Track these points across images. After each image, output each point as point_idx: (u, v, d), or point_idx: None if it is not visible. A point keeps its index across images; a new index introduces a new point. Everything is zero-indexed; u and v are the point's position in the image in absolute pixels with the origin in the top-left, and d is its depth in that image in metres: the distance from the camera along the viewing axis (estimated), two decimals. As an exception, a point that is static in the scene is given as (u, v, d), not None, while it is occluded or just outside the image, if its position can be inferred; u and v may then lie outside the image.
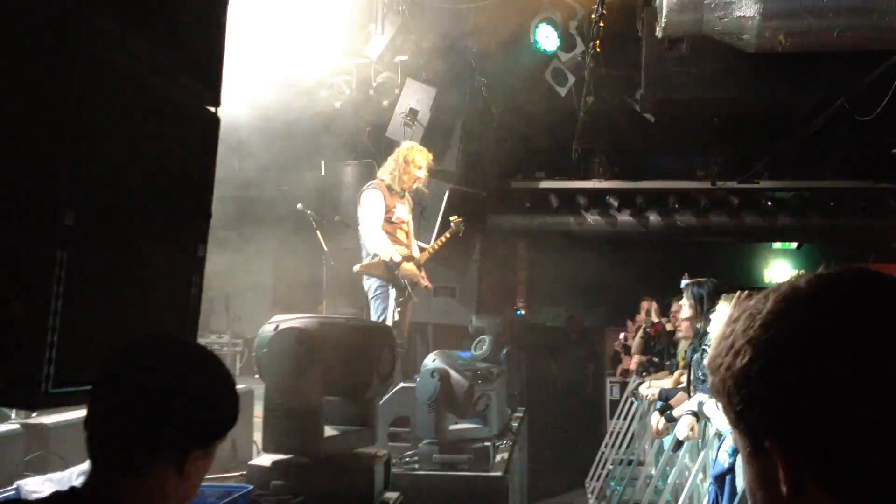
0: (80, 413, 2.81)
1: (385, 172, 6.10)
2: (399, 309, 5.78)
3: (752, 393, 0.84)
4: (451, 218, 6.41)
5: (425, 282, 6.11)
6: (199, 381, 1.50)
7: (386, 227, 5.91)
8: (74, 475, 2.37)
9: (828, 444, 0.79)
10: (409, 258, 5.89)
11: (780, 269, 13.73)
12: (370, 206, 5.90)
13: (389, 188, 6.00)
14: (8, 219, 1.87)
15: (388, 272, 5.79)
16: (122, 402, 1.46)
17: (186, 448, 1.46)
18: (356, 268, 5.88)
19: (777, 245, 13.60)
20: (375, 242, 5.82)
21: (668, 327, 8.09)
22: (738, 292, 4.34)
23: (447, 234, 6.33)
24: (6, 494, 2.32)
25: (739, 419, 0.87)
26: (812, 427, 0.80)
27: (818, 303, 0.84)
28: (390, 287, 5.81)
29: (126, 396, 1.46)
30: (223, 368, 1.56)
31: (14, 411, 3.26)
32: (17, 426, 2.82)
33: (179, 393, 1.46)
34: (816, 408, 0.79)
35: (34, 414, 2.96)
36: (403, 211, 6.07)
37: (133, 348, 1.54)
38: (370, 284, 5.92)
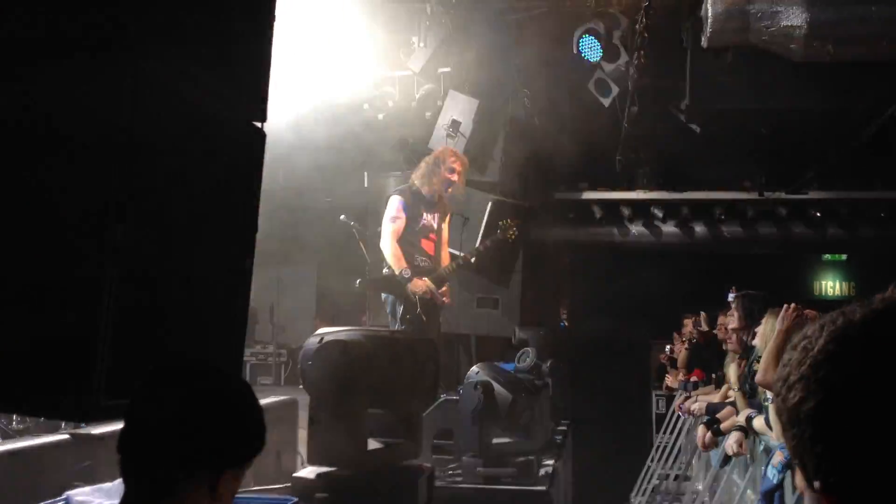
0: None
1: (415, 176, 5.91)
2: (404, 326, 5.51)
3: (802, 433, 0.82)
4: (501, 222, 6.23)
5: (442, 298, 5.83)
6: (231, 406, 1.56)
7: (408, 236, 5.74)
8: (122, 485, 2.41)
9: (873, 496, 0.76)
10: (422, 272, 5.70)
11: (829, 281, 13.45)
12: (387, 215, 5.77)
13: (417, 194, 5.83)
14: (60, 234, 1.91)
15: (396, 287, 5.64)
16: (157, 424, 1.51)
17: (219, 469, 1.51)
18: (357, 283, 5.79)
19: (826, 256, 13.33)
20: (386, 254, 5.67)
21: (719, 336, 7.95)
22: (785, 306, 4.26)
23: (494, 239, 6.14)
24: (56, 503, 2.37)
25: (793, 453, 0.85)
26: (856, 477, 0.77)
27: (870, 347, 0.80)
28: (398, 303, 5.65)
29: (161, 419, 1.51)
30: (252, 395, 1.62)
31: (64, 422, 3.33)
32: (67, 436, 2.87)
33: (213, 417, 1.52)
34: (863, 459, 0.77)
35: (83, 424, 3.02)
36: (433, 218, 5.87)
37: (167, 372, 1.58)
38: (385, 299, 5.82)
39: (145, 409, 1.55)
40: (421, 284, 5.63)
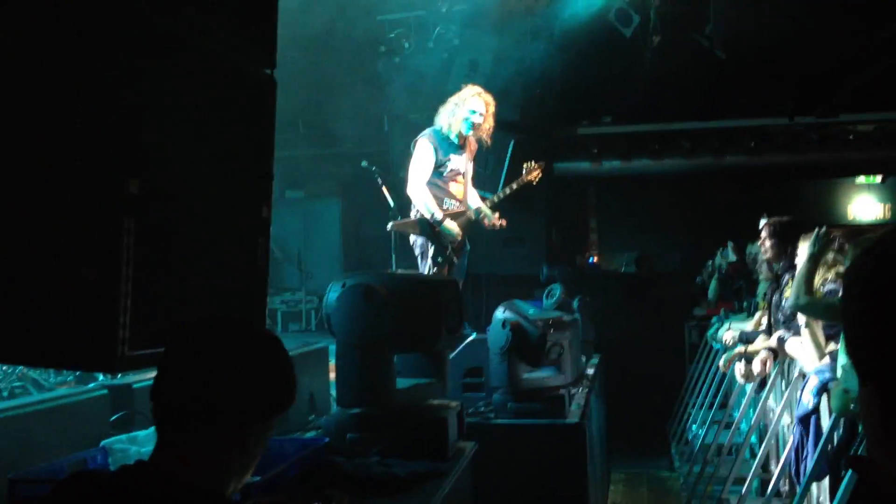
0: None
1: (440, 119, 5.83)
2: (436, 269, 5.63)
3: (857, 335, 0.87)
4: (526, 164, 6.15)
5: (500, 221, 5.91)
6: (261, 361, 1.58)
7: (436, 180, 5.73)
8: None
9: None
10: (453, 215, 5.72)
11: (864, 203, 13.22)
12: (416, 161, 5.72)
13: (442, 136, 5.77)
14: (75, 190, 1.93)
15: (427, 230, 5.67)
16: (186, 378, 1.54)
17: (247, 422, 1.55)
18: (389, 226, 5.77)
19: (861, 179, 13.08)
20: (417, 199, 5.68)
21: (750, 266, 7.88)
22: (817, 229, 4.20)
23: (522, 181, 6.07)
24: (94, 454, 2.43)
25: (853, 351, 0.89)
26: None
27: None
28: (430, 245, 5.69)
29: (191, 373, 1.54)
30: (283, 351, 1.64)
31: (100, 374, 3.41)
32: (103, 388, 2.94)
33: (242, 370, 1.54)
34: None
35: (119, 375, 3.09)
36: (460, 161, 5.82)
37: (198, 326, 1.61)
38: (415, 241, 5.82)
39: (175, 360, 1.57)
40: (453, 226, 5.69)
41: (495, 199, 6.02)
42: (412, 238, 5.85)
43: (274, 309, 9.54)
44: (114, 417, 2.86)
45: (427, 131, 5.83)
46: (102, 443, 2.50)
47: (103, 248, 1.90)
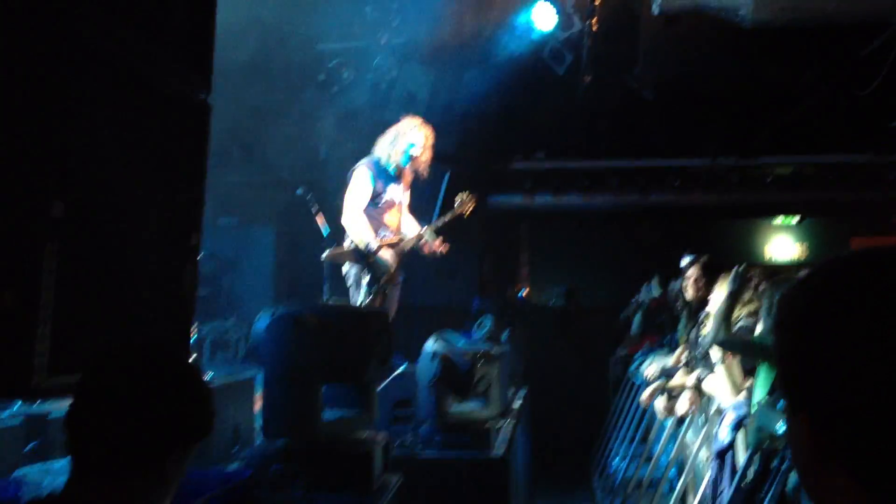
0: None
1: (378, 149, 5.86)
2: (369, 299, 5.62)
3: (788, 365, 0.89)
4: (458, 196, 6.16)
5: (441, 248, 5.93)
6: (177, 389, 1.56)
7: (372, 210, 5.74)
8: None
9: (845, 423, 0.82)
10: (387, 245, 5.73)
11: (781, 243, 13.69)
12: (353, 189, 5.72)
13: (380, 166, 5.80)
14: (-4, 211, 1.88)
15: (361, 260, 5.66)
16: (102, 406, 1.52)
17: (165, 450, 1.53)
18: (324, 255, 5.73)
19: (778, 220, 13.56)
20: (352, 228, 5.66)
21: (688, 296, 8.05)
22: (736, 267, 4.34)
23: (455, 212, 6.09)
24: (6, 483, 2.34)
25: (783, 383, 0.91)
26: (836, 403, 0.83)
27: (843, 286, 0.88)
28: (363, 274, 5.68)
29: (106, 401, 1.52)
30: (200, 379, 1.63)
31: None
32: (18, 416, 2.84)
33: (158, 398, 1.53)
34: (842, 386, 0.83)
35: (35, 403, 2.98)
36: (396, 192, 5.85)
37: (116, 354, 1.58)
38: (348, 271, 5.79)
39: (92, 389, 1.54)
40: (388, 256, 5.69)
41: (429, 230, 6.02)
42: (345, 268, 5.81)
43: (203, 336, 9.33)
44: (28, 447, 2.76)
45: (366, 160, 5.83)
46: (15, 473, 2.41)
47: (23, 271, 1.85)
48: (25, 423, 2.84)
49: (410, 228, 6.00)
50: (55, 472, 2.42)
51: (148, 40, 2.28)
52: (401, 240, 5.87)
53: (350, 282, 5.79)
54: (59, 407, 2.89)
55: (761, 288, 4.52)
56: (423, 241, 5.91)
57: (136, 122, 2.26)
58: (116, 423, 1.49)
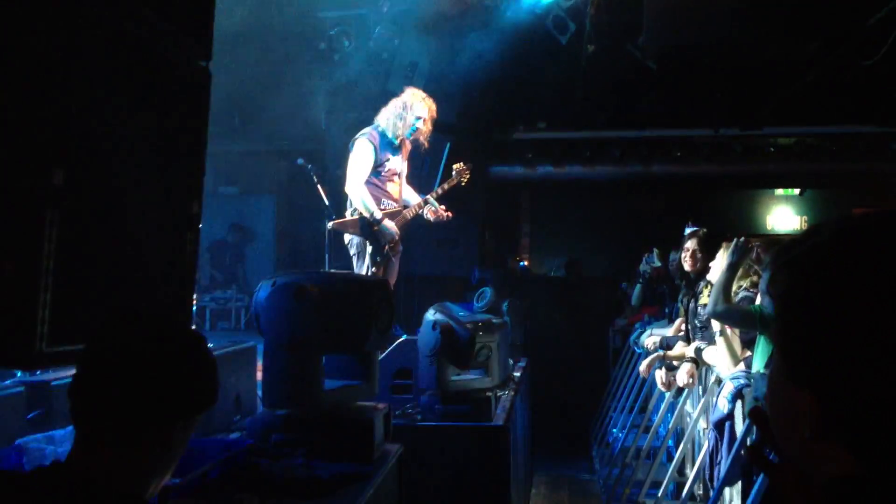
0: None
1: (381, 119, 5.83)
2: (374, 268, 5.66)
3: (797, 338, 0.86)
4: (455, 166, 6.17)
5: (446, 213, 5.97)
6: (183, 359, 1.56)
7: (374, 180, 5.74)
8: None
9: (857, 399, 0.80)
10: (391, 215, 5.75)
11: (782, 215, 13.69)
12: (356, 159, 5.71)
13: (383, 136, 5.78)
14: (-4, 178, 1.86)
15: (366, 229, 5.68)
16: (106, 375, 1.51)
17: (170, 419, 1.52)
18: (329, 224, 5.76)
19: (779, 191, 13.54)
20: (356, 197, 5.67)
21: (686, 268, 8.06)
22: (736, 239, 4.33)
23: (450, 182, 6.08)
24: (8, 452, 2.35)
25: (780, 350, 0.89)
26: (833, 371, 0.81)
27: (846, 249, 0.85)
28: (367, 244, 5.71)
29: (111, 370, 1.51)
30: (205, 349, 1.62)
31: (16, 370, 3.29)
32: (19, 385, 2.85)
33: (164, 368, 1.52)
34: (841, 353, 0.81)
35: (37, 372, 2.99)
36: (397, 162, 5.85)
37: (120, 322, 1.58)
38: (351, 241, 5.81)
39: (96, 357, 1.54)
40: (391, 225, 5.71)
41: (432, 196, 6.01)
42: (347, 237, 5.82)
43: (203, 307, 9.37)
44: (30, 415, 2.77)
45: (368, 130, 5.81)
46: (17, 441, 2.42)
47: (23, 239, 1.84)
48: (27, 391, 2.85)
49: (410, 198, 6.00)
50: (58, 441, 2.44)
51: (148, 7, 2.25)
52: (404, 208, 5.87)
53: (353, 251, 5.82)
54: (61, 376, 2.90)
55: (762, 259, 4.52)
56: (428, 207, 5.92)
57: (137, 90, 2.24)
58: (120, 393, 1.49)
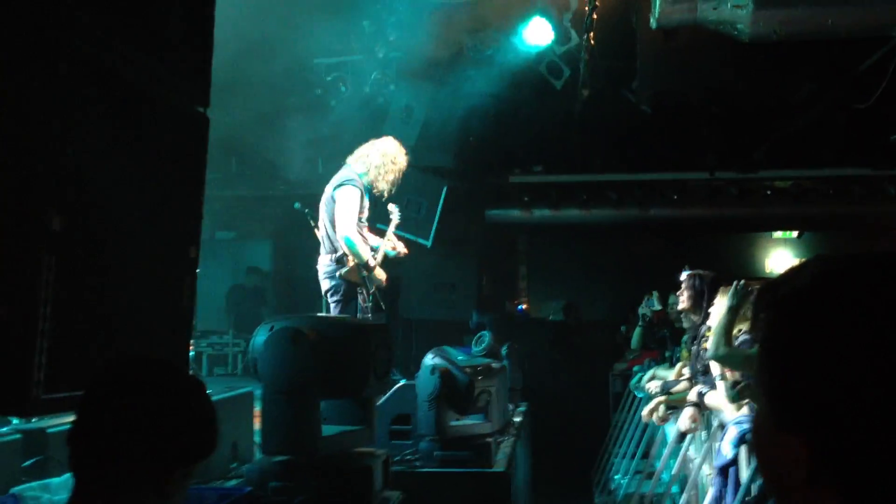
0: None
1: (366, 168, 5.83)
2: (369, 314, 5.71)
3: (787, 382, 0.83)
4: (389, 206, 6.16)
5: (403, 250, 6.07)
6: (183, 407, 1.54)
7: (358, 227, 5.76)
8: (72, 480, 2.37)
9: (852, 445, 0.78)
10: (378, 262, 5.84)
11: (780, 257, 13.70)
12: (348, 206, 5.67)
13: (366, 185, 5.81)
14: (-6, 224, 1.85)
15: (359, 276, 5.70)
16: (105, 422, 1.50)
17: (167, 469, 1.50)
18: (342, 272, 5.71)
19: (778, 234, 13.57)
20: (353, 245, 5.64)
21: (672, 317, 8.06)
22: (735, 283, 4.32)
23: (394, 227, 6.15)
24: (4, 500, 2.32)
25: (768, 394, 0.86)
26: (827, 417, 0.79)
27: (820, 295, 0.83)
28: (359, 290, 5.73)
29: (110, 417, 1.49)
30: (205, 397, 1.61)
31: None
32: (16, 432, 2.81)
33: (163, 416, 1.50)
34: (833, 397, 0.79)
35: (33, 419, 2.96)
36: (366, 208, 5.90)
37: (120, 368, 1.56)
38: (336, 286, 5.78)
39: (95, 405, 1.53)
40: (381, 272, 5.78)
41: (392, 237, 6.05)
42: (329, 283, 5.80)
43: (200, 352, 9.32)
44: (26, 463, 2.73)
45: (355, 178, 5.80)
46: (13, 490, 2.38)
47: (20, 284, 1.83)
48: (24, 438, 2.81)
49: (373, 241, 6.02)
50: (54, 489, 2.40)
51: (147, 54, 2.27)
52: (373, 251, 5.89)
53: (338, 297, 5.77)
54: (58, 423, 2.86)
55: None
56: (393, 247, 5.97)
57: (135, 135, 2.24)
58: (119, 441, 1.47)
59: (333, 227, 5.75)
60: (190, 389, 1.58)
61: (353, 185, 5.73)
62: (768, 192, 10.40)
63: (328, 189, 5.87)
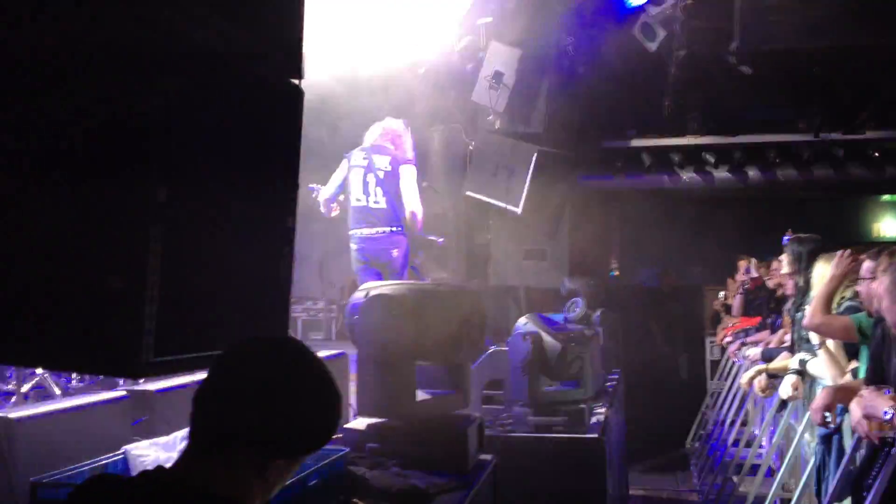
0: (184, 380, 2.93)
1: (408, 151, 6.19)
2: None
3: None
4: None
5: None
6: (313, 400, 1.55)
7: None
8: (178, 439, 2.48)
9: None
10: None
11: (890, 222, 13.08)
12: (414, 180, 6.06)
13: None
14: (103, 197, 1.95)
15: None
16: (234, 395, 1.52)
17: (269, 457, 1.51)
18: (441, 240, 6.23)
19: (884, 197, 12.94)
20: (420, 215, 6.01)
21: (770, 284, 7.83)
22: (840, 252, 4.19)
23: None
24: (115, 458, 2.45)
25: None
26: None
27: None
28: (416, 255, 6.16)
29: (240, 391, 1.52)
30: (335, 390, 1.59)
31: (121, 379, 3.43)
32: (124, 393, 2.96)
33: (291, 406, 1.51)
34: None
35: (140, 381, 3.11)
36: None
37: (262, 347, 1.60)
38: (398, 254, 6.05)
39: (230, 372, 1.55)
40: None
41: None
42: (399, 250, 6.06)
43: (295, 317, 9.57)
44: (135, 422, 2.88)
45: (412, 158, 6.16)
46: (124, 448, 2.51)
47: (130, 255, 1.91)
48: (131, 399, 2.96)
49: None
50: (161, 447, 2.52)
51: (239, 26, 2.32)
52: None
53: (399, 263, 6.04)
54: (164, 385, 3.01)
55: (882, 266, 4.33)
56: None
57: (233, 110, 2.30)
58: (240, 418, 1.49)
59: (396, 199, 6.00)
60: (321, 382, 1.57)
61: (412, 165, 6.12)
62: (876, 154, 9.88)
63: (381, 161, 6.05)
